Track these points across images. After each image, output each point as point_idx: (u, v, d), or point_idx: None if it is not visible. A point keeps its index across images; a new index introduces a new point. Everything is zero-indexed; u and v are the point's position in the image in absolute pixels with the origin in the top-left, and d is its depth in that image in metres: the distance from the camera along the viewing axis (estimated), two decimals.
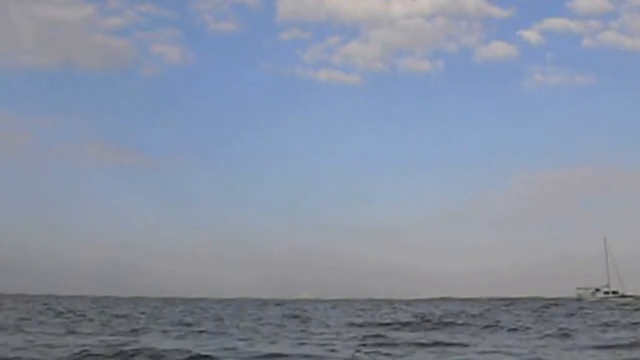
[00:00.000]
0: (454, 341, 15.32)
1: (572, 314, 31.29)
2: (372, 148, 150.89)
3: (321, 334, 18.63)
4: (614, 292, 78.18)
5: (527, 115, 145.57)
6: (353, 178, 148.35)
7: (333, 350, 13.19)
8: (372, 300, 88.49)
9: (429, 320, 25.27)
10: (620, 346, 14.05)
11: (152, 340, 14.80)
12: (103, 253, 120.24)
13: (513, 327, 21.12)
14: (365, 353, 12.46)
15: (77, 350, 12.19)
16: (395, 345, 14.35)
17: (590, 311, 35.46)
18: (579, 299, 76.40)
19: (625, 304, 54.96)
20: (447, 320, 25.56)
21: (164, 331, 19.06)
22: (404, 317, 29.26)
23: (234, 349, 13.17)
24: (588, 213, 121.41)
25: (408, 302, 73.04)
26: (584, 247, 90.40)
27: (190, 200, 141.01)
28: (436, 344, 14.48)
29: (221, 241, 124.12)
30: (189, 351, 12.00)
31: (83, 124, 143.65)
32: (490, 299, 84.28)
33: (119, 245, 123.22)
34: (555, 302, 62.15)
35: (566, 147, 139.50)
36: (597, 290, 79.63)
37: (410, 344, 14.45)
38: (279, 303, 65.28)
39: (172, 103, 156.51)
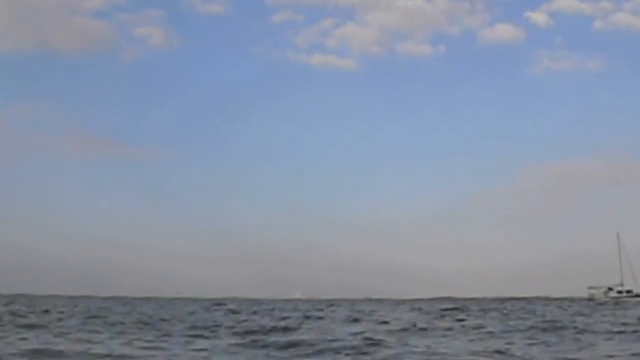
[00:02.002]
0: None
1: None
2: (369, 138, 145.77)
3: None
4: (628, 291, 74.24)
5: (534, 103, 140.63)
6: (350, 170, 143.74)
7: None
8: (370, 300, 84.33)
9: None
10: None
11: None
12: (83, 250, 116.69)
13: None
14: None
15: None
16: None
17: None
18: (590, 299, 72.79)
19: (639, 304, 51.13)
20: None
21: None
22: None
23: None
24: (600, 207, 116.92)
25: (405, 302, 69.10)
26: (596, 244, 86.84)
27: (176, 194, 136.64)
28: None
29: (210, 238, 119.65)
30: None
31: (62, 112, 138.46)
32: (495, 299, 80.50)
33: (100, 242, 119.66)
34: (559, 303, 58.28)
35: (576, 137, 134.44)
36: (610, 289, 75.40)
37: None
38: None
39: (156, 89, 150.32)
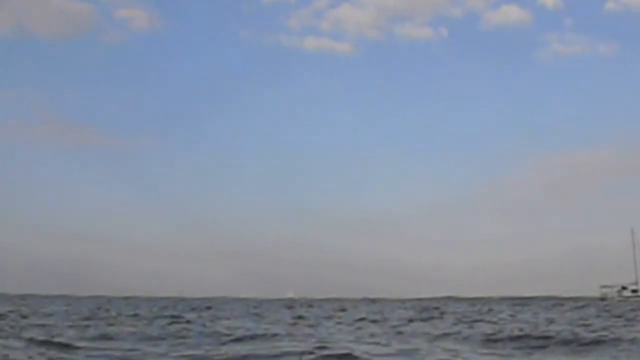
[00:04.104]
0: None
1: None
2: (366, 126, 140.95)
3: None
4: None
5: (542, 89, 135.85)
6: (345, 161, 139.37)
7: None
8: (367, 299, 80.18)
9: None
10: None
11: None
12: (59, 246, 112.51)
13: None
14: None
15: None
16: None
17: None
18: (603, 298, 69.60)
19: None
20: None
21: None
22: None
23: None
24: (613, 199, 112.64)
25: (403, 302, 65.11)
26: (609, 239, 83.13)
27: (159, 187, 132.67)
28: None
29: (197, 234, 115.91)
30: None
31: (38, 99, 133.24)
32: (501, 298, 76.40)
33: (78, 237, 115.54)
34: (569, 302, 54.20)
35: (587, 126, 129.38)
36: (624, 288, 71.96)
37: None
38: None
39: (138, 75, 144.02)
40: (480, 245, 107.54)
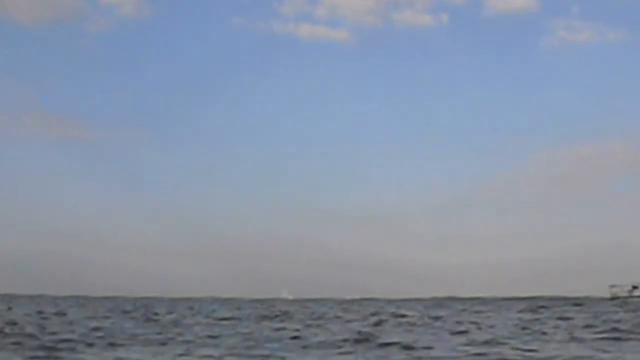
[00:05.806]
0: None
1: None
2: (364, 118, 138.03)
3: None
4: None
5: (549, 78, 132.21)
6: (343, 154, 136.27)
7: None
8: (365, 299, 77.27)
9: None
10: None
11: None
12: (40, 243, 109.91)
13: None
14: None
15: None
16: None
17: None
18: (612, 298, 67.47)
19: None
20: None
21: None
22: None
23: None
24: (623, 194, 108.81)
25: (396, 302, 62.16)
26: (618, 236, 79.14)
27: (146, 181, 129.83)
28: None
29: (186, 231, 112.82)
30: None
31: (19, 89, 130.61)
32: (505, 299, 73.38)
33: (60, 234, 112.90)
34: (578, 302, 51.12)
35: (595, 117, 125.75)
36: (635, 287, 69.18)
37: None
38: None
39: (125, 65, 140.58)
40: (484, 244, 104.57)
